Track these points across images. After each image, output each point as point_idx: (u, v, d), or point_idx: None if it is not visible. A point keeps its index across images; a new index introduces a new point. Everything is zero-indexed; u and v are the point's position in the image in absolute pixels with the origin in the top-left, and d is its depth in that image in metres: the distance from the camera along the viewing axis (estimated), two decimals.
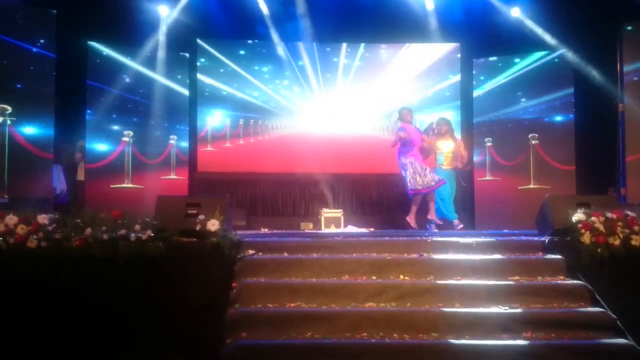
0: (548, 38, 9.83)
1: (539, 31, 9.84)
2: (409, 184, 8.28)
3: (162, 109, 9.96)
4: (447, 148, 8.73)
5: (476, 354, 4.29)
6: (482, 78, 10.48)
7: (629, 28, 8.53)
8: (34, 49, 7.94)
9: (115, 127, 9.68)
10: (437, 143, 8.74)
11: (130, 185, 9.66)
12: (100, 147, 9.55)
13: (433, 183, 8.15)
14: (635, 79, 8.46)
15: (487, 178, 10.08)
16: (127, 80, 9.72)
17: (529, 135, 10.03)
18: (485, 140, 10.29)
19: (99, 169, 9.46)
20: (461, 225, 8.44)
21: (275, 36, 10.49)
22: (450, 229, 8.29)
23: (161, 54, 9.91)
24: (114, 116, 9.71)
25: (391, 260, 5.43)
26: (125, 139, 9.74)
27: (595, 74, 9.48)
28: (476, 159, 10.25)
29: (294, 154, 10.43)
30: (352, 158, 10.69)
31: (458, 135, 9.36)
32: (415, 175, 8.18)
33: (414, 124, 8.82)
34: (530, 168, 10.00)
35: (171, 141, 10.10)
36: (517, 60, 10.23)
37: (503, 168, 10.09)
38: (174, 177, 10.06)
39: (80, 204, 8.81)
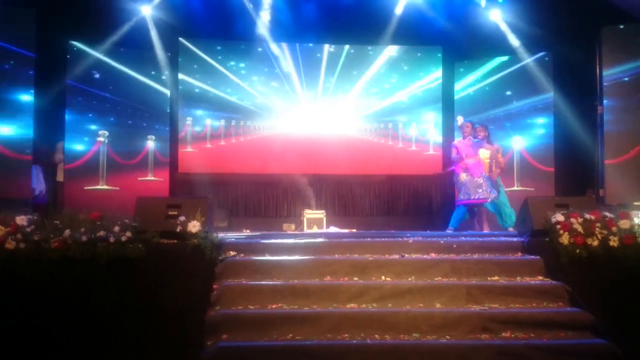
0: (529, 41, 9.93)
1: (520, 34, 9.94)
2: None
3: (141, 108, 9.88)
4: (483, 155, 8.31)
5: (457, 354, 4.31)
6: (465, 79, 10.56)
7: (622, 26, 8.60)
8: (12, 48, 7.80)
9: (92, 127, 9.56)
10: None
11: (105, 187, 9.51)
12: (76, 147, 9.43)
13: (475, 197, 8.04)
14: (626, 79, 8.54)
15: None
16: (106, 79, 9.66)
17: (513, 137, 10.11)
18: None
19: (74, 170, 9.35)
20: None
21: (258, 36, 10.46)
22: None
23: (145, 53, 9.90)
24: (90, 115, 9.59)
25: (373, 261, 5.44)
26: (100, 138, 9.58)
27: (574, 76, 9.60)
28: None
29: (276, 154, 10.41)
30: (334, 159, 10.68)
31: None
32: (460, 187, 8.26)
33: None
34: (514, 170, 10.04)
35: (149, 141, 9.97)
36: (498, 62, 10.33)
37: None
38: (152, 178, 9.92)
39: (59, 205, 8.73)
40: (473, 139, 8.36)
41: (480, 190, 8.03)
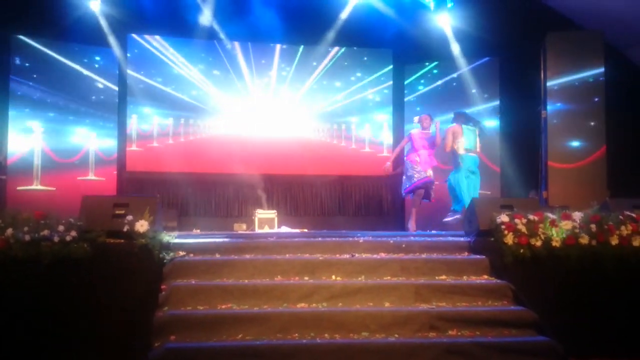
0: (477, 46, 10.14)
1: (468, 39, 10.14)
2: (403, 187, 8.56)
3: (85, 104, 9.57)
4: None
5: (405, 352, 4.37)
6: (416, 82, 10.73)
7: (565, 33, 8.83)
8: None
9: (29, 122, 9.12)
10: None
11: (39, 187, 9.02)
12: (10, 144, 8.99)
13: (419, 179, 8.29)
14: (576, 84, 8.81)
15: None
16: (49, 73, 9.32)
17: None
18: None
19: (7, 168, 8.90)
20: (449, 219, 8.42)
21: (209, 34, 10.35)
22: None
23: (92, 48, 9.68)
24: (27, 110, 9.14)
25: (324, 260, 5.46)
26: (35, 134, 9.08)
27: (520, 80, 9.85)
28: None
29: (227, 154, 10.29)
30: (286, 159, 10.67)
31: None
32: (406, 175, 8.46)
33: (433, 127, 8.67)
34: None
35: (90, 139, 9.61)
36: (446, 66, 10.51)
37: (443, 172, 9.83)
38: (93, 177, 9.55)
39: (2, 203, 8.44)
40: (424, 130, 8.56)
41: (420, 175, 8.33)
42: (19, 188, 8.94)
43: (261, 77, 10.80)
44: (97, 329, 4.67)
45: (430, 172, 8.42)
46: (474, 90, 10.27)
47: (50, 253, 4.67)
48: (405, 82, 10.90)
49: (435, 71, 10.67)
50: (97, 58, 9.78)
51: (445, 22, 10.29)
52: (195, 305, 4.81)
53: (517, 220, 5.33)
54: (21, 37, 9.18)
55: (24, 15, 9.20)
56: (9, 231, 4.71)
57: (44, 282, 4.69)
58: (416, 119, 8.91)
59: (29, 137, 9.13)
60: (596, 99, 8.86)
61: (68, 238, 4.72)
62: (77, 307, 4.68)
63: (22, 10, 9.19)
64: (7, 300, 4.62)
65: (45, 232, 4.72)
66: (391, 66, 11.10)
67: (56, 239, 4.70)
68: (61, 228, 4.76)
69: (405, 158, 8.68)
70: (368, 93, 11.10)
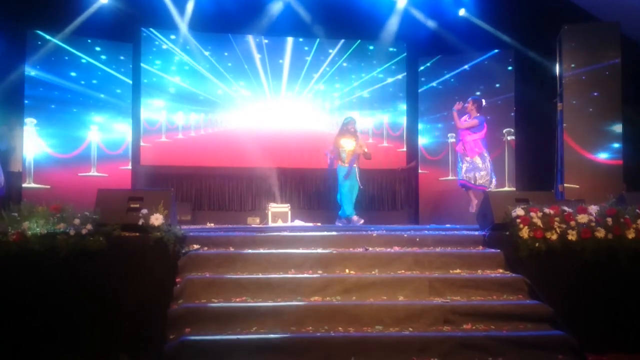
0: (491, 38, 10.07)
1: (482, 32, 10.08)
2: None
3: (94, 97, 9.57)
4: (349, 146, 8.58)
5: (419, 345, 4.36)
6: (429, 74, 10.69)
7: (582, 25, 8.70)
8: None
9: (26, 115, 9.03)
10: (340, 141, 8.60)
11: (32, 185, 8.77)
12: None
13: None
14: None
15: (449, 178, 9.97)
16: (61, 66, 9.38)
17: (504, 131, 10.00)
18: (449, 135, 10.38)
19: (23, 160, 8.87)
20: (362, 221, 8.37)
21: (222, 27, 10.38)
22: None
23: (105, 41, 9.77)
24: (27, 102, 9.00)
25: (337, 254, 5.46)
26: (28, 127, 8.85)
27: (536, 73, 9.77)
28: (438, 157, 10.36)
29: (240, 147, 10.32)
30: (299, 153, 10.68)
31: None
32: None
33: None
34: (506, 168, 9.88)
35: (91, 132, 9.48)
36: (461, 58, 10.45)
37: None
38: (95, 174, 9.37)
39: (18, 196, 8.51)
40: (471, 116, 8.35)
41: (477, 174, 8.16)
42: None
43: (275, 70, 10.79)
44: (113, 322, 4.70)
45: (477, 159, 8.21)
46: (488, 82, 10.19)
47: (66, 246, 4.70)
48: (419, 75, 10.83)
49: (449, 62, 10.59)
50: (110, 52, 9.82)
51: (460, 15, 10.23)
52: (210, 299, 4.84)
53: (532, 214, 5.28)
54: (37, 31, 9.23)
55: (40, 10, 9.29)
56: (26, 224, 4.75)
57: (60, 275, 4.73)
58: (469, 104, 8.41)
59: (23, 131, 8.96)
60: (613, 91, 8.74)
61: (84, 231, 4.75)
62: (93, 300, 4.71)
63: (38, 5, 9.28)
64: (23, 292, 4.66)
65: (61, 226, 4.76)
66: (405, 54, 11.04)
67: (72, 232, 4.73)
68: (77, 221, 4.79)
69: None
70: (383, 86, 11.06)
